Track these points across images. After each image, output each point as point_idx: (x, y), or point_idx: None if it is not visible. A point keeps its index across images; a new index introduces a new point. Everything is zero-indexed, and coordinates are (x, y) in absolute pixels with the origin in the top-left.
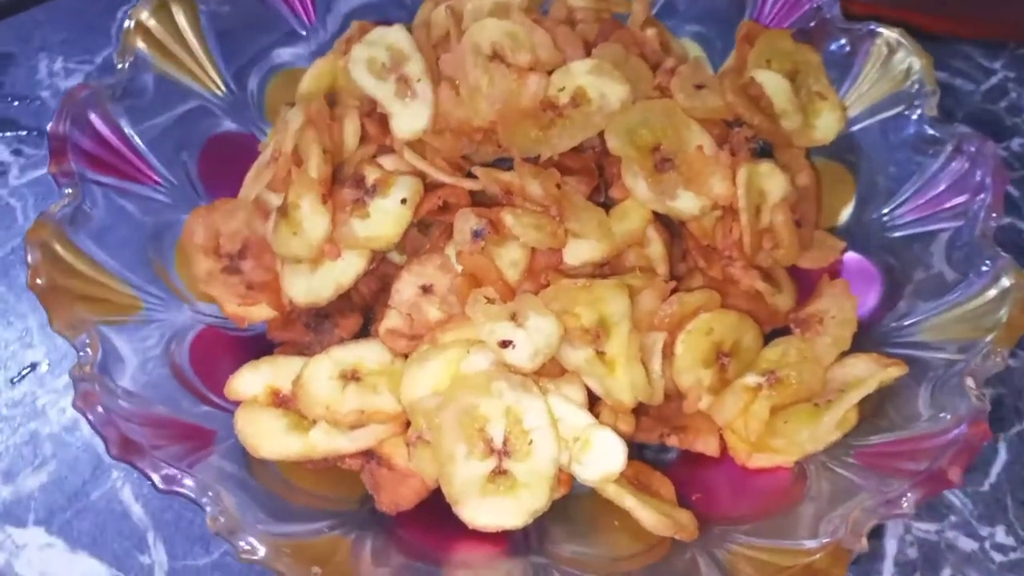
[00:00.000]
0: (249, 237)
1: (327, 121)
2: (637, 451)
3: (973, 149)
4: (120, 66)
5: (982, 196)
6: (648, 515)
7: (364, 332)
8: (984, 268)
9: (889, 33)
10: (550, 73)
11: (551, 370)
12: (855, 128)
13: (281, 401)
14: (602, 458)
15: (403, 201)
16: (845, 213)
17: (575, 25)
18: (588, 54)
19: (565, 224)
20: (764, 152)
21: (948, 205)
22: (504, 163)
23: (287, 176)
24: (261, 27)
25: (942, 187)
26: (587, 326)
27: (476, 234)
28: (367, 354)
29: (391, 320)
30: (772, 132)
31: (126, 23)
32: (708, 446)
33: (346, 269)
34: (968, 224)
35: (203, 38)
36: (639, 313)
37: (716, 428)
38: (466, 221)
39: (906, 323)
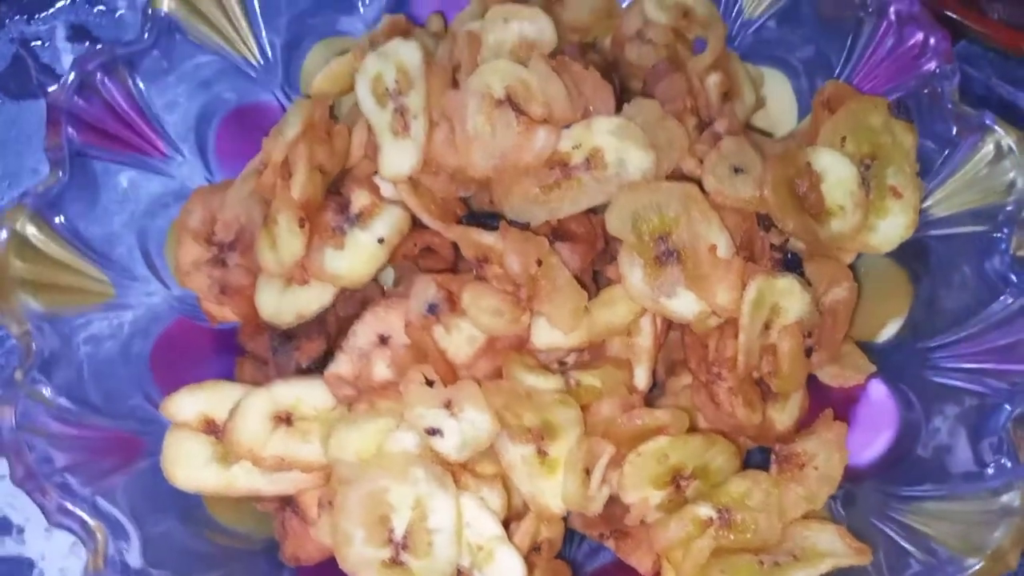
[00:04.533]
0: (245, 228)
1: (326, 135)
2: (577, 541)
3: None
4: (145, 33)
5: None
6: None
7: (327, 358)
8: (998, 466)
9: (1003, 134)
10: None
11: (479, 462)
12: (932, 233)
13: (213, 429)
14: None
15: (380, 241)
16: (889, 330)
17: (644, 43)
18: (641, 83)
19: (536, 306)
20: (792, 262)
21: (1000, 368)
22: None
23: (273, 186)
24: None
25: (1000, 342)
26: (529, 426)
27: (430, 308)
28: (308, 395)
29: (339, 365)
30: (809, 241)
31: None
32: (642, 563)
33: (311, 299)
34: (1015, 400)
35: (245, 5)
36: (594, 418)
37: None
38: (424, 291)
39: (902, 492)
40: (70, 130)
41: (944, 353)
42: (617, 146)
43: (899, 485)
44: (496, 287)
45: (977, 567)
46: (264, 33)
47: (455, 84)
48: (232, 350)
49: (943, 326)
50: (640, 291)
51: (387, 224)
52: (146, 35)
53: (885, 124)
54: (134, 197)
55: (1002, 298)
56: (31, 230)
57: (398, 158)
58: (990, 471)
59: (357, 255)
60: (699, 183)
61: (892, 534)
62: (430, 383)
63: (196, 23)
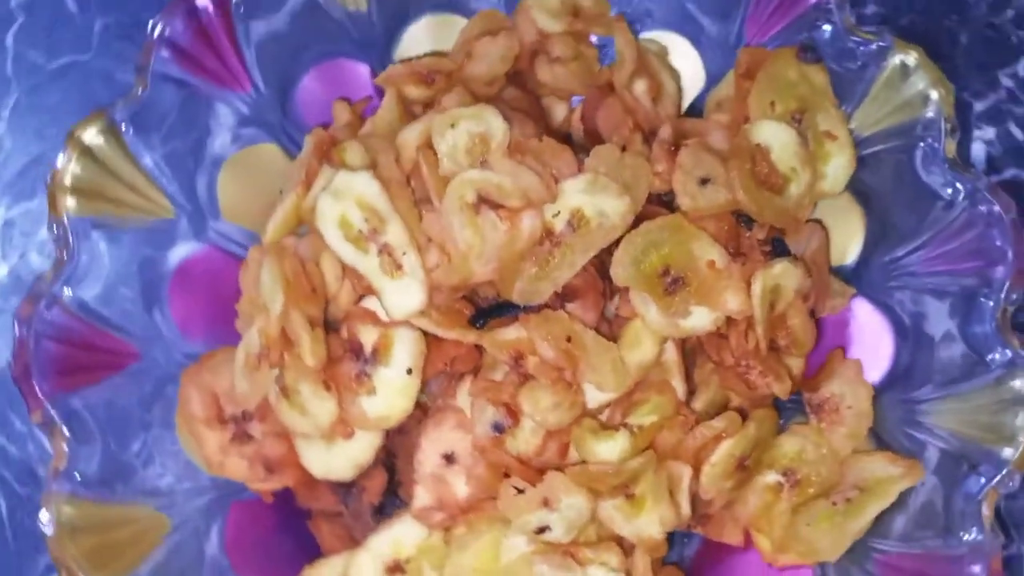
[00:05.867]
0: None
1: (308, 288)
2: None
3: (984, 210)
4: (64, 255)
5: (1001, 269)
6: None
7: (391, 488)
8: (995, 357)
9: (904, 56)
10: None
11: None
12: (864, 152)
13: None
14: None
15: (409, 372)
16: (853, 251)
17: (551, 61)
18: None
19: (580, 378)
20: (777, 244)
21: (966, 267)
22: (508, 306)
23: (280, 358)
24: (190, 120)
25: (957, 242)
26: (616, 484)
27: (496, 427)
28: (403, 536)
29: (420, 499)
30: (783, 220)
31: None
32: (732, 538)
33: (363, 448)
34: (993, 292)
35: (136, 164)
36: (662, 446)
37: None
38: (483, 412)
39: (920, 397)
40: (44, 386)
41: (910, 260)
42: (593, 201)
43: (915, 391)
44: (544, 382)
45: (1016, 455)
46: (167, 184)
47: (413, 193)
48: (292, 505)
49: (900, 237)
50: (659, 324)
51: (407, 352)
52: (65, 253)
53: (800, 74)
54: (129, 414)
55: (948, 199)
56: (69, 512)
57: (405, 298)
58: (992, 361)
59: (393, 393)
60: (661, 196)
61: (926, 439)
62: (520, 491)
63: (102, 206)
